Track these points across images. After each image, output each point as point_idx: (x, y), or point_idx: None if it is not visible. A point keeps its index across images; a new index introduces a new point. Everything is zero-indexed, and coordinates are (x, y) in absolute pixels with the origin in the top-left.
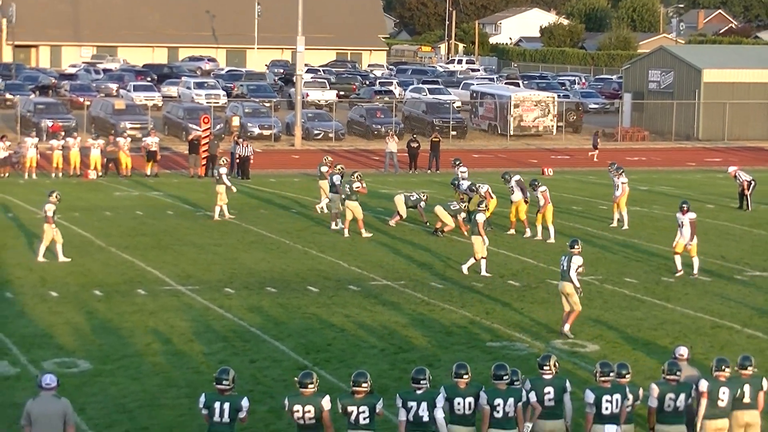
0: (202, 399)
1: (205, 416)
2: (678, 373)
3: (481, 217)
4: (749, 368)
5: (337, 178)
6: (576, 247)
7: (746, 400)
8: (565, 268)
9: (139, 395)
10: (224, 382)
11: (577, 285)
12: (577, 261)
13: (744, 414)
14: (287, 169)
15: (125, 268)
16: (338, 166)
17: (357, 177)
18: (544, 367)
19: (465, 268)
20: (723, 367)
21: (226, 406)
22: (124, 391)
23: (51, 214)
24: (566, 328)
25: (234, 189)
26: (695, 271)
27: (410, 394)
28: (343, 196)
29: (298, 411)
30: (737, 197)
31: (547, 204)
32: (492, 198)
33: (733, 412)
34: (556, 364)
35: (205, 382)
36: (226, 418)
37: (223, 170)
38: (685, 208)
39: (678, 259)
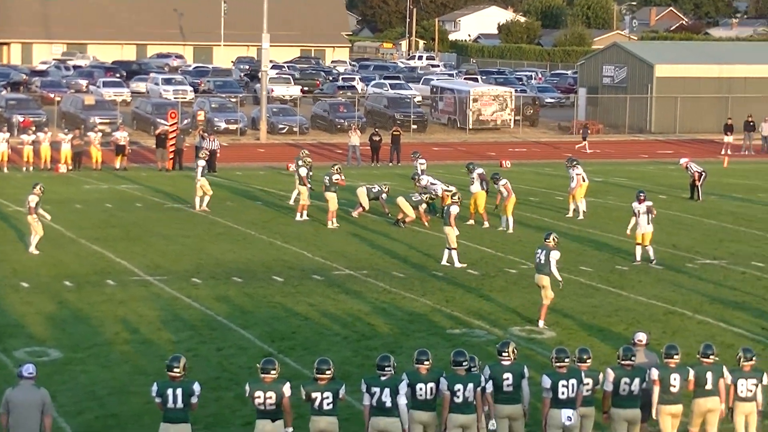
0: (155, 388)
1: (159, 404)
2: (633, 358)
3: (454, 209)
4: (711, 356)
5: (303, 171)
6: (549, 240)
7: (708, 387)
8: (542, 261)
9: (109, 383)
10: (175, 370)
11: (558, 278)
12: (555, 255)
13: (706, 401)
14: (253, 163)
15: (95, 259)
16: (306, 159)
17: (337, 170)
18: (503, 354)
19: (445, 261)
20: (673, 354)
21: (179, 392)
22: (94, 378)
23: (33, 205)
24: (541, 324)
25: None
26: (653, 258)
27: (375, 379)
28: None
29: (259, 396)
30: (688, 188)
31: (510, 196)
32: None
33: (695, 399)
34: (515, 350)
35: None
36: (180, 404)
37: (201, 163)
38: (642, 197)
39: (639, 250)
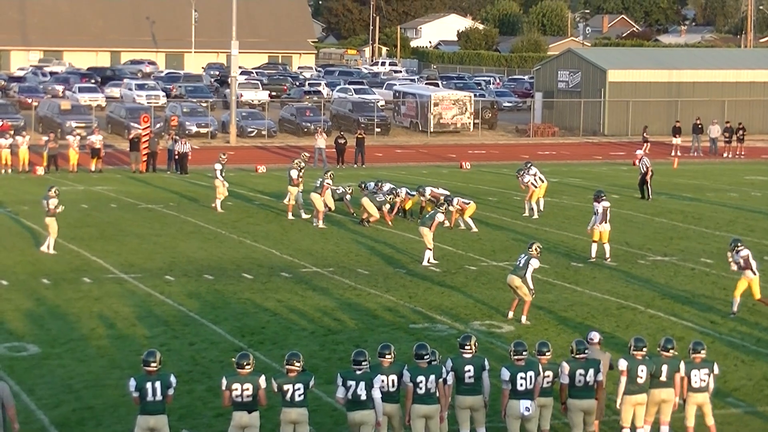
0: (133, 383)
1: (136, 398)
2: (585, 350)
3: (439, 217)
4: (671, 350)
5: (294, 173)
6: (532, 249)
7: (663, 378)
8: (520, 265)
9: (85, 376)
10: (152, 364)
11: (531, 287)
12: (534, 263)
13: (661, 392)
14: None
15: (72, 257)
16: (296, 161)
17: (330, 175)
18: (465, 347)
19: (426, 262)
20: (641, 347)
21: (158, 384)
22: (71, 372)
23: (53, 207)
24: (523, 319)
25: (226, 184)
26: (608, 255)
27: (350, 373)
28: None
29: (236, 389)
30: (638, 188)
31: (466, 207)
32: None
33: (650, 389)
34: (476, 344)
35: None
36: (158, 396)
37: (218, 166)
38: (601, 197)
39: (594, 247)
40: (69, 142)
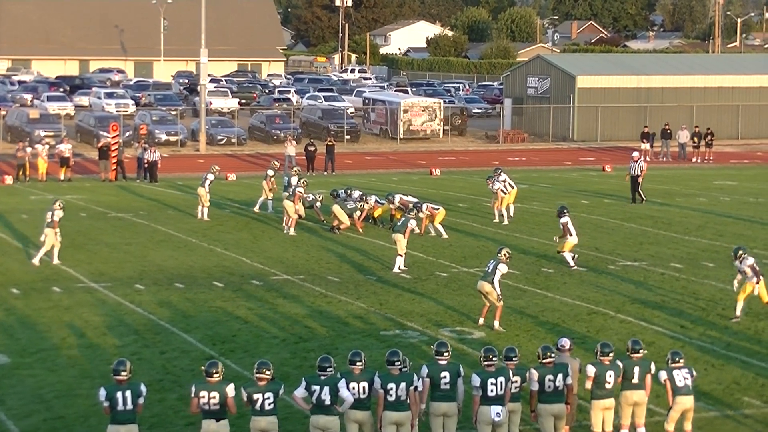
0: (103, 392)
1: (106, 408)
2: (552, 355)
3: (412, 223)
4: (640, 351)
5: (294, 180)
6: (501, 254)
7: (635, 380)
8: (489, 270)
9: (56, 386)
10: (123, 373)
11: (498, 293)
12: (502, 268)
13: (633, 393)
14: (193, 173)
15: (41, 266)
16: (295, 168)
17: (303, 183)
18: (443, 354)
19: (397, 269)
20: (608, 352)
21: (128, 393)
22: (41, 382)
23: (57, 219)
24: (496, 325)
25: (208, 196)
26: (572, 264)
27: (315, 378)
28: (285, 194)
29: (204, 397)
30: (630, 192)
31: (436, 213)
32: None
33: (622, 391)
34: (449, 350)
35: None
36: (129, 405)
37: (211, 176)
38: (563, 213)
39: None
40: (38, 151)
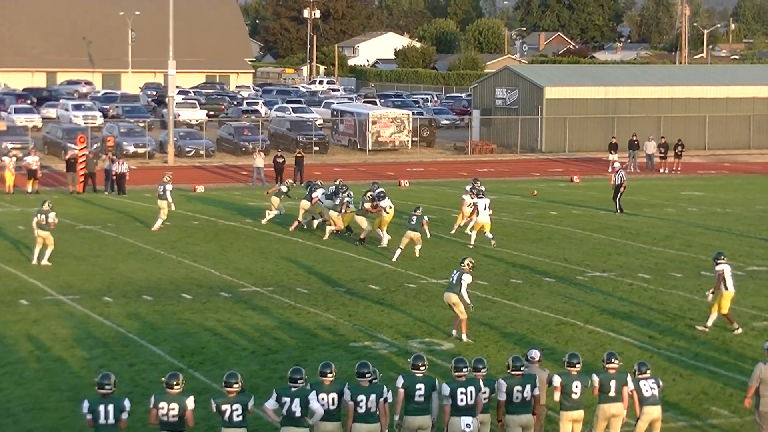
0: (86, 404)
1: (89, 421)
2: (522, 367)
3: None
4: (615, 362)
5: (319, 192)
6: (464, 264)
7: (612, 393)
8: (454, 281)
9: (24, 399)
10: (107, 387)
11: (468, 302)
12: (467, 278)
13: (610, 406)
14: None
15: (9, 279)
16: (317, 181)
17: (348, 194)
18: (420, 367)
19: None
20: (575, 363)
21: (111, 407)
22: (9, 395)
23: (51, 220)
24: (464, 338)
25: (173, 207)
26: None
27: (286, 390)
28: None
29: (163, 408)
30: (613, 201)
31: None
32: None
33: (599, 404)
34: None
35: (86, 386)
36: (111, 420)
37: (169, 187)
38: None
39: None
40: (5, 164)
